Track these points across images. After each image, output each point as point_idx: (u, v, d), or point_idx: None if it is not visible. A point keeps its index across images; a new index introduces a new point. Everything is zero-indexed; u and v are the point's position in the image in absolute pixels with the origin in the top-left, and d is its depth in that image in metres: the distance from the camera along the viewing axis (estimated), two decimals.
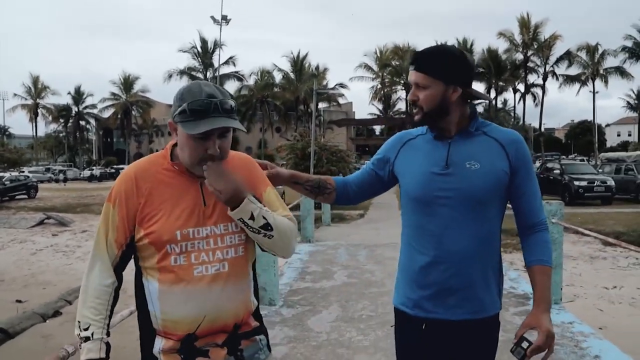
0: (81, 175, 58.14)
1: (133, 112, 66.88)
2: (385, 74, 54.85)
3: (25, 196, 31.73)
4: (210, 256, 1.70)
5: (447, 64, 1.87)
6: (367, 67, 55.78)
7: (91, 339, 1.68)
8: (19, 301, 10.66)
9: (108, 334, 1.72)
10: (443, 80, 1.86)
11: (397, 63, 53.23)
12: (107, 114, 68.71)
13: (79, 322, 1.70)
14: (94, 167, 61.99)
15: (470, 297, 1.90)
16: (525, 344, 1.82)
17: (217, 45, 43.96)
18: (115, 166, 63.55)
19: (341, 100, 60.22)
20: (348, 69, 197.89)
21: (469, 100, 1.96)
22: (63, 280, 12.70)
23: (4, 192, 30.27)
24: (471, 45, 52.41)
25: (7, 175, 33.66)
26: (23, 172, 39.43)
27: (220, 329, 1.74)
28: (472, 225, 1.88)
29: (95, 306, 1.70)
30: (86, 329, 1.68)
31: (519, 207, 1.94)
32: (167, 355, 1.71)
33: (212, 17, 36.32)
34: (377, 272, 7.78)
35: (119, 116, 65.64)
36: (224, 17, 36.64)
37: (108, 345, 1.72)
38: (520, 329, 1.85)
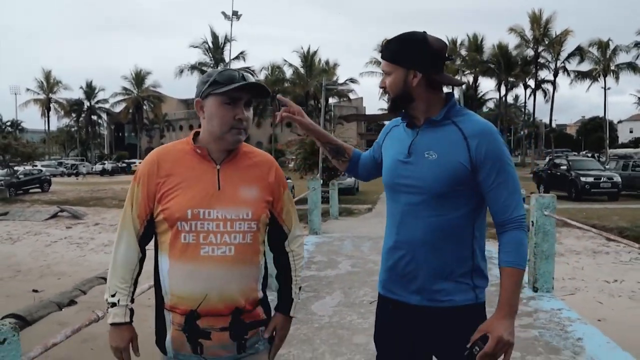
0: (93, 170, 58.66)
1: (144, 107, 67.20)
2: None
3: (39, 190, 32.09)
4: (217, 238, 1.80)
5: (405, 50, 1.86)
6: (378, 63, 55.70)
7: (117, 304, 1.82)
8: (35, 291, 11.00)
9: (132, 301, 1.87)
10: (402, 65, 1.86)
11: None
12: (118, 109, 69.06)
13: (108, 288, 1.84)
14: (106, 162, 62.49)
15: (428, 285, 1.90)
16: (476, 349, 1.78)
17: (228, 40, 44.23)
18: (126, 160, 64.03)
19: (352, 96, 60.25)
20: (359, 64, 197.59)
21: (442, 88, 1.94)
22: (77, 271, 13.01)
23: (18, 185, 30.73)
24: (481, 41, 52.26)
25: (21, 169, 34.11)
26: (36, 166, 39.83)
27: (221, 311, 1.81)
28: (429, 215, 1.87)
29: (123, 275, 1.84)
30: (113, 296, 1.83)
31: (488, 203, 1.88)
32: (175, 331, 1.83)
33: (223, 13, 36.69)
34: (380, 262, 7.95)
35: (131, 111, 65.92)
36: (235, 13, 36.97)
37: (132, 311, 1.86)
38: (475, 334, 1.81)
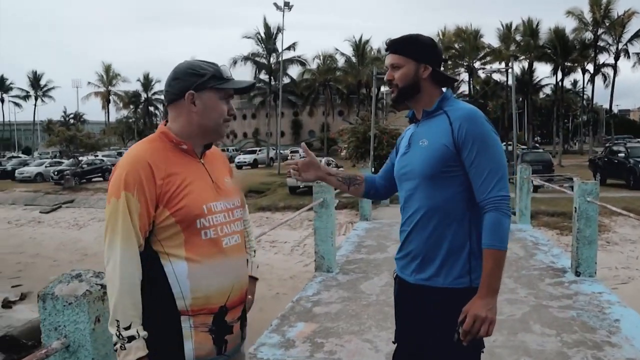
0: None
1: None
2: (448, 57, 53.95)
3: (101, 179, 33.21)
4: (228, 228, 1.82)
5: (418, 46, 2.07)
6: None
7: (137, 337, 1.63)
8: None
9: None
10: (414, 59, 2.05)
11: (460, 46, 52.23)
12: None
13: (117, 320, 1.63)
14: None
15: (424, 265, 2.03)
16: (459, 330, 1.88)
17: (280, 30, 44.62)
18: None
19: None
20: None
21: (441, 85, 2.12)
22: None
23: (82, 174, 32.15)
24: (537, 25, 50.65)
25: (84, 159, 35.66)
26: (97, 156, 41.45)
27: (240, 299, 1.85)
28: (421, 197, 2.02)
29: (136, 302, 1.65)
30: (127, 328, 1.63)
31: (471, 183, 1.97)
32: (199, 334, 1.73)
33: (275, 4, 37.02)
34: None
35: None
36: (287, 4, 37.33)
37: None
38: (460, 315, 1.90)
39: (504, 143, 34.52)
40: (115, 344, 1.64)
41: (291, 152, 52.00)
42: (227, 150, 58.81)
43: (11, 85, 77.05)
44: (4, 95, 76.97)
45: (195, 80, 1.79)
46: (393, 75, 2.09)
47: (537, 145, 54.89)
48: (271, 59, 49.09)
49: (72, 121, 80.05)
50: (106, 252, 1.68)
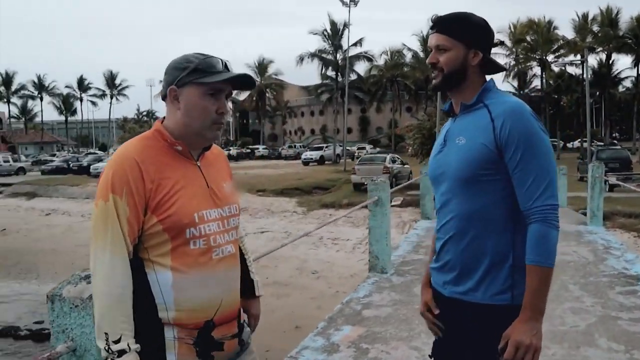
0: None
1: (267, 95, 69.28)
2: (519, 50, 52.11)
3: None
4: (221, 238, 1.67)
5: (470, 28, 1.83)
6: (501, 43, 53.43)
7: (128, 351, 1.51)
8: None
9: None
10: (464, 42, 1.82)
11: (532, 38, 50.29)
12: (243, 97, 71.80)
13: (105, 333, 1.50)
14: (231, 148, 65.49)
15: (461, 277, 1.83)
16: (502, 358, 1.69)
17: (346, 26, 44.42)
18: (250, 147, 66.85)
19: None
20: None
21: (488, 74, 1.91)
22: None
23: None
24: (616, 14, 48.14)
25: None
26: None
27: (232, 314, 1.71)
28: (461, 201, 1.80)
29: (125, 312, 1.53)
30: (117, 341, 1.50)
31: (515, 189, 1.74)
32: (183, 345, 1.60)
33: (341, 0, 36.95)
34: None
35: (254, 98, 68.13)
36: None
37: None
38: (501, 341, 1.70)
39: (579, 140, 33.03)
40: (110, 358, 1.51)
41: (358, 148, 51.90)
42: (295, 146, 59.26)
43: (89, 85, 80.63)
44: (83, 95, 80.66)
45: (178, 74, 1.63)
46: (437, 58, 1.85)
47: (615, 141, 52.25)
48: (337, 55, 49.07)
49: (145, 118, 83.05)
50: (92, 260, 1.56)
